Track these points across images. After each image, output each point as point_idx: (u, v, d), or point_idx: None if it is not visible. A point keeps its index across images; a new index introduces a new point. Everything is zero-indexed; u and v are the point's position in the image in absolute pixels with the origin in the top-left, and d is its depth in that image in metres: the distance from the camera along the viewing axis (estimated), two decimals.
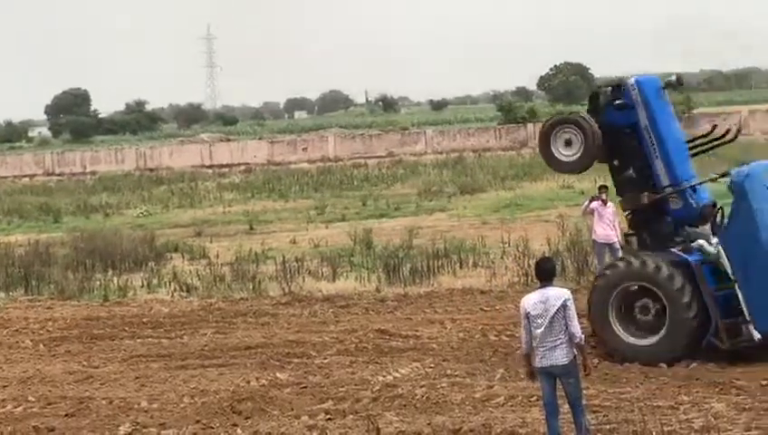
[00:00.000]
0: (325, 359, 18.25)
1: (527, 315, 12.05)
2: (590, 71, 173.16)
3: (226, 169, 76.04)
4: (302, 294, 24.58)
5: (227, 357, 18.85)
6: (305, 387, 16.35)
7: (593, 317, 17.20)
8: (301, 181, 59.50)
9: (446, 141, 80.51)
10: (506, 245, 29.24)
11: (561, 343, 11.96)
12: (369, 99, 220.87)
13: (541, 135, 18.35)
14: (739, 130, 20.31)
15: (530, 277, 24.33)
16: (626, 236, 19.11)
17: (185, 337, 20.91)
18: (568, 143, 17.92)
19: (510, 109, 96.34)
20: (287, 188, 55.97)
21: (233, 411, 15.18)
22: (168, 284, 27.15)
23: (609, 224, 23.36)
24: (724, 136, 18.70)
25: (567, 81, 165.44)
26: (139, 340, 20.90)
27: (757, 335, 16.13)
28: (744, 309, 16.24)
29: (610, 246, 23.33)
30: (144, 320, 22.77)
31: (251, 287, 25.83)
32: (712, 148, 19.00)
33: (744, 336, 16.35)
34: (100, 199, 56.24)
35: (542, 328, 11.95)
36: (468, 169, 59.71)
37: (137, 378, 17.63)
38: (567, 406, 12.38)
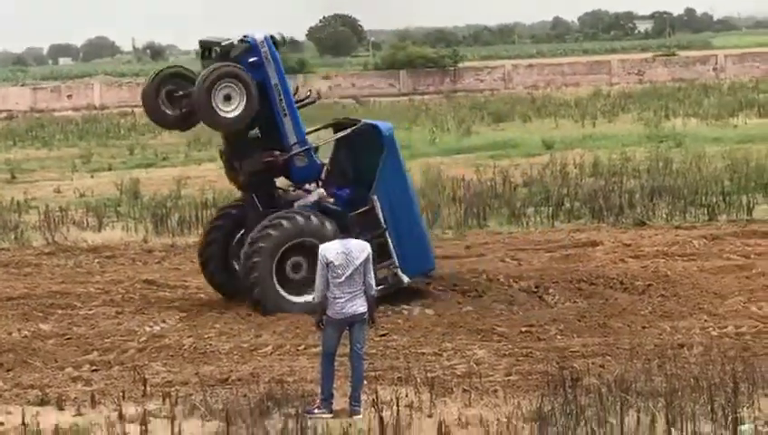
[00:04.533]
0: (90, 310, 17.94)
1: (328, 264, 12.03)
2: (359, 23, 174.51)
3: None
4: (66, 245, 24.09)
5: None
6: (70, 338, 16.06)
7: (253, 276, 17.03)
8: (65, 129, 58.07)
9: None
10: None
11: (360, 294, 12.08)
12: (137, 46, 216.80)
13: (203, 90, 17.14)
14: (319, 94, 20.62)
15: None
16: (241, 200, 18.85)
17: None
18: (228, 98, 17.15)
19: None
20: (51, 137, 54.55)
21: None
22: None
23: None
24: (306, 99, 18.90)
25: (336, 32, 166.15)
26: None
27: (406, 279, 17.15)
28: (394, 256, 17.14)
29: None
30: None
31: (13, 237, 25.17)
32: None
33: (392, 281, 17.23)
34: None
35: (343, 278, 12.00)
36: None
37: None
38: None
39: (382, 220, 17.22)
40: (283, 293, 17.07)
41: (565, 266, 19.46)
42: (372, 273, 12.27)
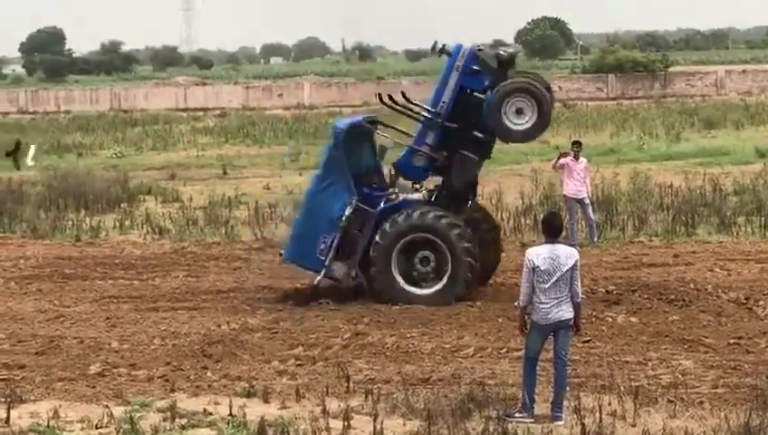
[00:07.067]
0: (296, 305, 18.23)
1: (534, 269, 11.96)
2: (568, 26, 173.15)
3: (201, 113, 75.61)
4: (274, 241, 24.56)
5: (199, 300, 18.86)
6: (276, 332, 16.37)
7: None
8: (275, 127, 59.24)
9: (422, 92, 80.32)
10: (480, 197, 29.21)
11: (566, 299, 11.99)
12: (346, 47, 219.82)
13: (495, 101, 18.04)
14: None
15: (502, 230, 24.39)
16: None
17: (156, 279, 20.91)
18: (519, 112, 17.95)
19: None
20: (261, 134, 55.76)
21: (203, 355, 15.18)
22: (140, 225, 27.13)
23: (579, 179, 23.39)
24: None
25: (544, 35, 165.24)
26: (110, 281, 20.87)
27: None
28: None
29: (581, 201, 23.40)
30: (116, 261, 22.74)
31: (224, 232, 25.85)
32: None
33: None
34: (73, 139, 55.85)
35: (549, 284, 11.90)
36: None
37: (107, 318, 17.60)
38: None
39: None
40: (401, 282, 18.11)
41: None
42: (579, 280, 12.12)
